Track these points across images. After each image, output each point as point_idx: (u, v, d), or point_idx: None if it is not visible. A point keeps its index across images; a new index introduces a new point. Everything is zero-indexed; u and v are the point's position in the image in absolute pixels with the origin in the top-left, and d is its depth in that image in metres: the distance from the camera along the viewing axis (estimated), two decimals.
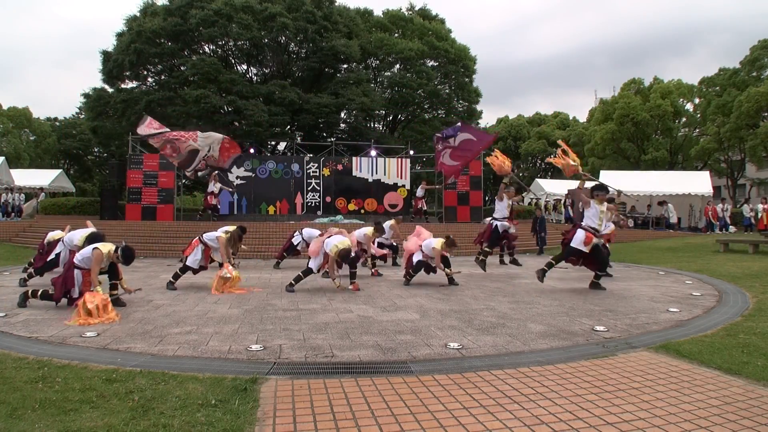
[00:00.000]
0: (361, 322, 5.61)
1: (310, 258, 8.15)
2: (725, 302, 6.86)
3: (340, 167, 20.19)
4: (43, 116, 46.95)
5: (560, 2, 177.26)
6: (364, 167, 20.34)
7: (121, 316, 5.74)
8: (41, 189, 25.19)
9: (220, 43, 26.17)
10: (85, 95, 26.68)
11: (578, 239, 7.72)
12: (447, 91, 31.52)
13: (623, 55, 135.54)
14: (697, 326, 5.44)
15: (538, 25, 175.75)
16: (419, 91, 29.53)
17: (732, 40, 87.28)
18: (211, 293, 7.59)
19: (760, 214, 19.88)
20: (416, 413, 3.07)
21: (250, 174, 19.56)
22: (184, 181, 23.02)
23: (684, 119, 34.68)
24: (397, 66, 30.62)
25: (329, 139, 25.84)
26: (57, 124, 45.09)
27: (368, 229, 9.69)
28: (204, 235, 8.16)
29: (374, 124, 31.76)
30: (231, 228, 8.57)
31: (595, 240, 7.72)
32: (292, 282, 7.98)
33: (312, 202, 19.82)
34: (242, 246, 9.27)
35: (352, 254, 7.92)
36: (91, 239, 7.08)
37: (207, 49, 26.60)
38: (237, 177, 19.39)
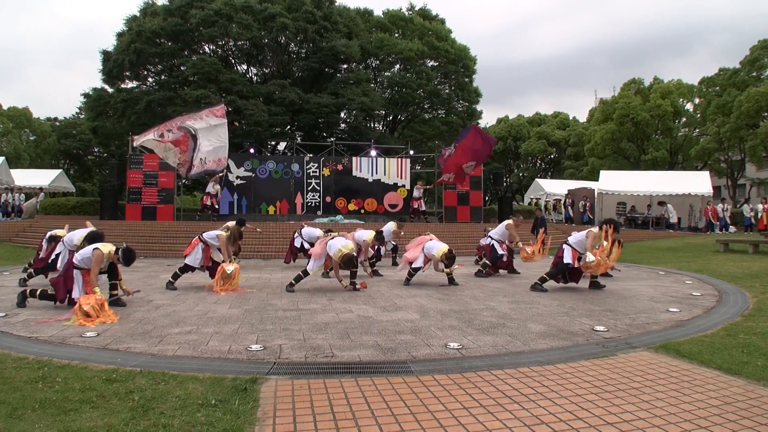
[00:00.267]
0: (361, 322, 5.61)
1: (310, 258, 8.16)
2: (725, 302, 6.87)
3: (340, 167, 20.20)
4: (43, 116, 47.03)
5: (560, 2, 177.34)
6: (364, 167, 20.35)
7: (121, 316, 5.74)
8: (41, 189, 25.19)
9: (220, 43, 26.18)
10: (85, 95, 26.71)
11: (568, 255, 7.92)
12: (447, 91, 31.52)
13: (623, 55, 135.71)
14: (697, 326, 5.44)
15: (537, 25, 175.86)
16: (419, 91, 29.54)
17: (732, 40, 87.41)
18: (214, 292, 7.61)
19: (760, 214, 19.88)
20: (416, 413, 3.07)
21: (250, 174, 19.57)
22: (184, 181, 23.01)
23: (684, 119, 34.69)
24: (397, 66, 30.63)
25: (329, 139, 25.84)
26: (57, 124, 45.10)
27: (369, 234, 9.58)
28: (204, 234, 8.16)
29: (374, 124, 31.78)
30: (231, 224, 8.59)
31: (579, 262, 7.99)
32: (292, 282, 7.99)
33: (312, 202, 19.82)
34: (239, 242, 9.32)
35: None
36: (90, 239, 7.08)
37: (207, 49, 26.61)
38: (237, 177, 19.40)
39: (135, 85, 26.61)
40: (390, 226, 11.03)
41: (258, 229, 11.38)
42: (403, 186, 20.55)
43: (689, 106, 34.80)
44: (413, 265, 8.67)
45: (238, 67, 27.73)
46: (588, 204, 21.47)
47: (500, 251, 10.16)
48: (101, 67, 25.75)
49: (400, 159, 21.02)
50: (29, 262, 9.44)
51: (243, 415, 3.00)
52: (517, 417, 3.03)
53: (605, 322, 5.64)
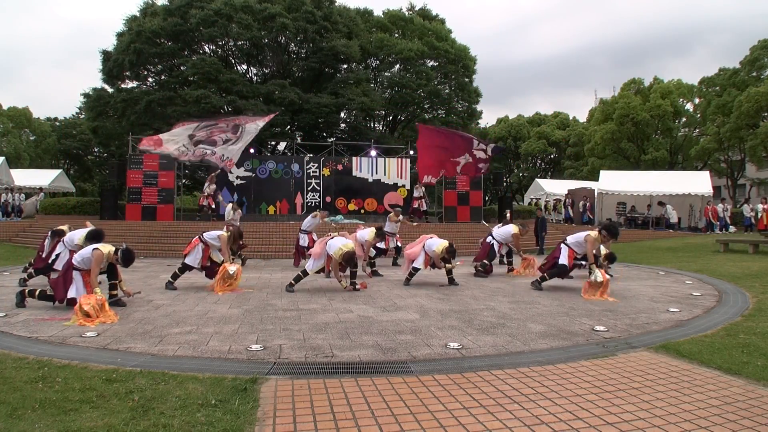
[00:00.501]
0: (361, 322, 5.61)
1: (309, 258, 8.15)
2: (725, 302, 6.87)
3: (340, 167, 20.20)
4: (43, 116, 47.02)
5: (560, 2, 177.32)
6: (364, 167, 20.35)
7: (121, 317, 5.74)
8: (41, 189, 25.21)
9: (220, 43, 26.18)
10: (85, 95, 26.71)
11: (564, 256, 7.95)
12: (447, 91, 31.51)
13: (623, 55, 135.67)
14: (697, 326, 5.44)
15: (537, 25, 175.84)
16: (419, 91, 29.54)
17: (732, 40, 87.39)
18: (214, 292, 7.61)
19: (760, 214, 19.88)
20: (416, 413, 3.07)
21: (250, 174, 19.57)
22: (184, 181, 23.03)
23: (684, 119, 34.69)
24: (397, 66, 30.62)
25: (329, 139, 25.85)
26: (57, 124, 45.10)
27: (370, 233, 9.62)
28: (205, 234, 8.16)
29: (374, 124, 31.78)
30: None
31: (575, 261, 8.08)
32: (292, 282, 7.99)
33: (312, 202, 19.82)
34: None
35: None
36: (90, 237, 7.11)
37: (207, 49, 26.61)
38: (237, 177, 19.41)
39: (135, 85, 26.61)
40: (388, 218, 11.28)
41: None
42: (403, 186, 20.55)
43: (689, 106, 34.80)
44: (414, 265, 8.69)
45: (238, 67, 27.73)
46: (588, 204, 21.47)
47: (498, 252, 10.17)
48: (101, 67, 25.76)
49: (400, 159, 21.02)
50: (29, 261, 9.43)
51: (243, 415, 3.00)
52: (517, 417, 3.03)
53: (605, 322, 5.64)
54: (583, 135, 38.46)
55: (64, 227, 8.75)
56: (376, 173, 20.39)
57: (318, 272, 8.24)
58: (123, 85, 26.49)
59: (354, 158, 20.54)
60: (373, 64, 31.12)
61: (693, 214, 22.53)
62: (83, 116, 36.30)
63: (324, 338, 4.89)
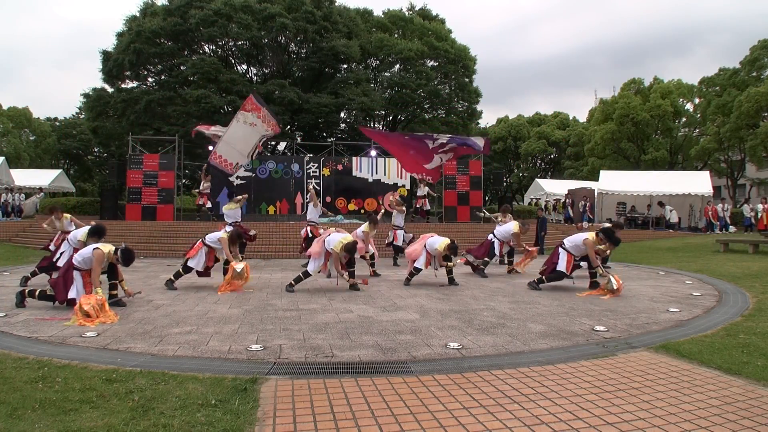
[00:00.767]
0: (361, 322, 5.61)
1: (309, 259, 8.14)
2: (725, 302, 6.87)
3: (340, 167, 20.19)
4: (43, 116, 47.03)
5: (560, 2, 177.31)
6: (364, 167, 20.34)
7: (121, 316, 5.74)
8: (41, 189, 25.21)
9: (220, 43, 26.19)
10: (85, 95, 26.72)
11: (563, 262, 7.95)
12: (447, 91, 31.51)
13: (623, 55, 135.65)
14: (697, 326, 5.44)
15: (537, 25, 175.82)
16: (419, 91, 29.53)
17: (732, 40, 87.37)
18: (218, 291, 7.62)
19: (760, 214, 19.88)
20: (416, 413, 3.07)
21: (250, 174, 19.56)
22: (184, 181, 23.03)
23: (684, 119, 34.68)
24: (397, 66, 30.61)
25: (329, 139, 25.85)
26: (57, 124, 45.12)
27: (364, 226, 9.68)
28: (206, 237, 8.18)
29: (374, 124, 31.78)
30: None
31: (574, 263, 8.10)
32: (292, 282, 7.99)
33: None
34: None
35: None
36: (92, 232, 7.18)
37: (207, 49, 26.62)
38: (237, 177, 19.38)
39: (135, 85, 26.62)
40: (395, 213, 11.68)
41: (252, 232, 11.18)
42: (403, 186, 20.54)
43: (689, 106, 34.80)
44: (416, 264, 8.69)
45: (238, 67, 27.73)
46: (588, 204, 21.47)
47: (498, 250, 10.18)
48: (101, 67, 25.77)
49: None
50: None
51: (243, 415, 3.00)
52: (517, 417, 3.03)
53: (605, 322, 5.64)
54: (583, 135, 38.46)
55: (68, 216, 9.18)
56: (376, 173, 20.37)
57: (318, 271, 8.25)
58: (123, 85, 26.50)
59: (354, 158, 20.53)
60: (373, 64, 31.12)
61: (693, 214, 22.54)
62: (83, 116, 36.33)
63: (324, 338, 4.89)
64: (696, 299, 7.12)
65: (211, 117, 23.35)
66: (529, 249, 10.61)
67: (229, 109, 23.86)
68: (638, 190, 21.45)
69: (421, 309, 6.43)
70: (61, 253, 8.02)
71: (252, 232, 10.59)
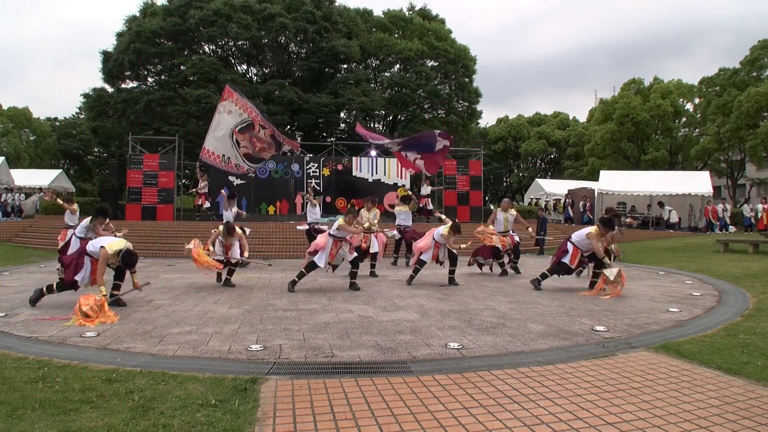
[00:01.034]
0: (361, 322, 5.61)
1: (315, 252, 8.14)
2: (725, 302, 6.86)
3: (340, 167, 20.19)
4: (43, 116, 47.04)
5: (560, 2, 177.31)
6: (364, 167, 20.33)
7: (121, 316, 5.74)
8: (41, 189, 25.22)
9: (220, 43, 26.21)
10: (85, 95, 26.75)
11: (568, 256, 7.92)
12: (447, 91, 31.53)
13: (623, 55, 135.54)
14: (697, 326, 5.44)
15: (537, 25, 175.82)
16: (419, 91, 29.55)
17: (732, 40, 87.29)
18: (195, 257, 7.88)
19: (760, 214, 19.89)
20: (416, 413, 3.07)
21: (250, 174, 19.53)
22: (184, 181, 23.02)
23: (684, 119, 34.69)
24: (397, 66, 30.63)
25: (329, 139, 25.83)
26: (57, 124, 45.14)
27: (443, 229, 9.38)
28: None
29: (374, 124, 31.79)
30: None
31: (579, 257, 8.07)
32: (295, 280, 7.98)
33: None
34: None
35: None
36: (96, 212, 7.86)
37: (207, 49, 26.64)
38: (237, 177, 19.37)
39: (135, 85, 26.65)
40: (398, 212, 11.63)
41: (247, 229, 11.20)
42: (403, 186, 20.53)
43: (689, 106, 34.81)
44: (422, 257, 8.72)
45: (238, 67, 27.76)
46: (588, 204, 21.47)
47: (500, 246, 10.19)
48: (101, 67, 25.82)
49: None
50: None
51: (243, 415, 3.00)
52: (517, 417, 3.03)
53: (605, 322, 5.64)
54: (583, 135, 38.48)
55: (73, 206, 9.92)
56: (376, 173, 20.37)
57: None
58: (123, 85, 26.53)
59: (354, 158, 20.52)
60: (373, 64, 31.13)
61: (693, 214, 22.54)
62: (83, 116, 36.35)
63: (324, 338, 4.89)
64: (696, 299, 7.12)
65: (210, 117, 23.37)
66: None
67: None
68: (638, 190, 21.46)
69: (421, 309, 6.43)
70: (68, 243, 8.51)
71: (247, 231, 10.68)
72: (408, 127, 32.19)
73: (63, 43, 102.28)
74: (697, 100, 34.13)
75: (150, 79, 27.12)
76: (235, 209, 11.76)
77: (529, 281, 8.33)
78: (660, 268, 11.11)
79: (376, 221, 10.47)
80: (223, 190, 13.41)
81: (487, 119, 77.44)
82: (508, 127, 46.82)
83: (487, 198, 33.66)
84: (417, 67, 29.44)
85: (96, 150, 40.97)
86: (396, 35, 31.01)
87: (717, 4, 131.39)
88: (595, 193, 21.75)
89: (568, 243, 8.06)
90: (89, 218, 7.99)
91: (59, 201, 10.43)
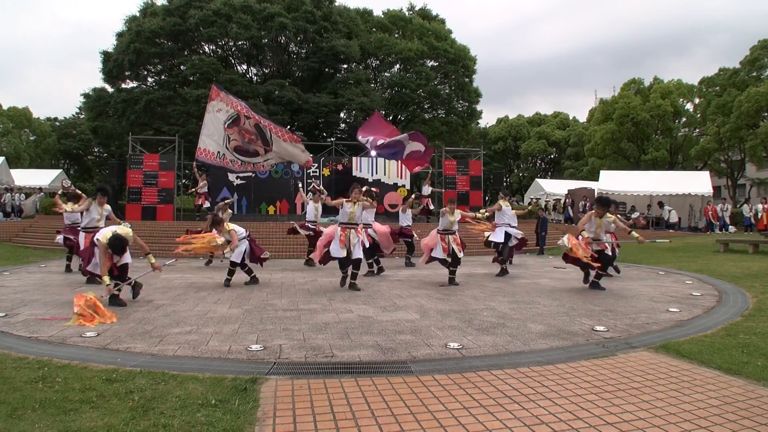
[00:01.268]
0: (361, 322, 5.61)
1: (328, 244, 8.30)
2: (725, 302, 6.86)
3: (340, 167, 20.19)
4: (43, 116, 47.05)
5: (560, 2, 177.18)
6: (364, 167, 20.33)
7: (121, 316, 5.74)
8: (41, 189, 25.22)
9: (219, 43, 26.20)
10: (85, 95, 26.73)
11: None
12: (447, 91, 31.52)
13: (623, 55, 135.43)
14: (697, 326, 5.44)
15: (537, 25, 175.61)
16: (419, 92, 29.55)
17: (732, 40, 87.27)
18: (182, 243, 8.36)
19: (760, 214, 19.89)
20: (416, 413, 3.07)
21: (250, 174, 19.53)
22: (184, 181, 23.02)
23: (684, 119, 34.70)
24: (397, 66, 30.62)
25: (329, 139, 25.83)
26: (57, 124, 45.14)
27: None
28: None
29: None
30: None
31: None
32: (343, 275, 8.25)
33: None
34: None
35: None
36: (97, 189, 8.49)
37: (207, 49, 26.63)
38: (237, 177, 19.38)
39: (135, 85, 26.64)
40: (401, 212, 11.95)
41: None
42: (403, 186, 20.54)
43: (689, 106, 34.82)
44: (433, 254, 8.79)
45: (238, 67, 27.74)
46: (588, 204, 21.47)
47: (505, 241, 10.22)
48: (101, 67, 25.81)
49: (400, 159, 20.96)
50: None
51: (243, 415, 3.00)
52: (517, 417, 3.03)
53: (605, 322, 5.64)
54: (583, 135, 38.49)
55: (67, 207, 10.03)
56: (376, 173, 20.37)
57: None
58: (123, 85, 26.52)
59: (354, 158, 20.52)
60: (373, 64, 31.13)
61: (693, 214, 22.54)
62: (83, 116, 36.35)
63: (324, 338, 4.89)
64: (696, 299, 7.12)
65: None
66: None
67: None
68: (638, 190, 21.46)
69: (421, 309, 6.43)
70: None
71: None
72: (408, 127, 32.17)
73: (63, 43, 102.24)
74: (697, 100, 34.13)
75: (150, 79, 27.12)
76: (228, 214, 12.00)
77: (588, 287, 8.17)
78: (660, 268, 11.11)
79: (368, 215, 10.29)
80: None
81: (487, 119, 77.46)
82: (508, 127, 46.84)
83: (487, 198, 33.63)
84: (417, 67, 29.44)
85: (96, 150, 40.99)
86: (396, 35, 31.00)
87: (717, 4, 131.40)
88: (595, 193, 21.73)
89: (580, 236, 8.12)
90: (88, 200, 8.61)
91: (76, 192, 10.66)
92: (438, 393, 3.41)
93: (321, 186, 13.52)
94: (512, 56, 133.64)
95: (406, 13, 32.78)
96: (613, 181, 21.87)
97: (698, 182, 21.50)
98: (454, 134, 31.42)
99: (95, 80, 76.45)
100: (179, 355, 4.28)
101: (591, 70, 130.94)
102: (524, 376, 3.78)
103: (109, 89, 26.48)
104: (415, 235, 11.60)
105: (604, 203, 8.13)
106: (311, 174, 19.92)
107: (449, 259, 8.71)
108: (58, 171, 30.05)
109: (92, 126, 28.23)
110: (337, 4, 28.17)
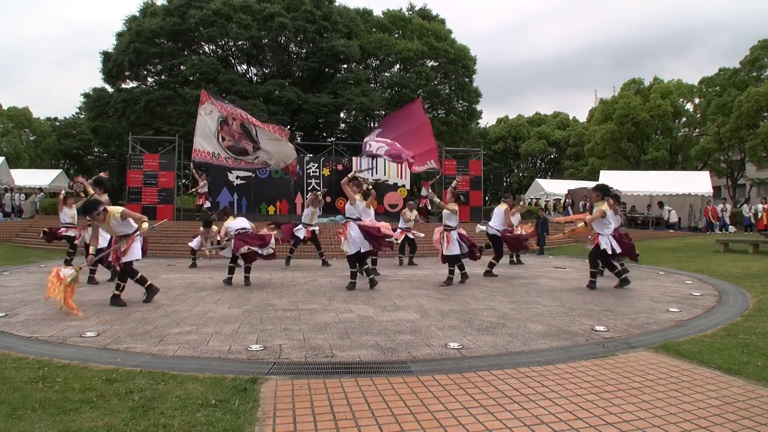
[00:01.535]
0: (361, 322, 5.61)
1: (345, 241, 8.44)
2: (725, 302, 6.86)
3: (340, 167, 20.18)
4: (43, 116, 47.08)
5: (560, 2, 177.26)
6: (364, 167, 20.31)
7: (121, 316, 5.75)
8: (41, 189, 25.24)
9: (219, 43, 26.21)
10: (85, 95, 26.75)
11: (603, 242, 8.07)
12: (447, 91, 31.53)
13: (623, 55, 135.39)
14: (697, 326, 5.44)
15: (537, 25, 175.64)
16: (419, 92, 29.55)
17: (732, 40, 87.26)
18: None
19: (760, 214, 19.89)
20: (416, 413, 3.07)
21: (250, 174, 19.54)
22: (184, 181, 23.01)
23: (684, 119, 34.72)
24: (397, 66, 30.63)
25: (329, 139, 25.84)
26: (57, 124, 45.18)
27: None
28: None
29: (374, 124, 31.76)
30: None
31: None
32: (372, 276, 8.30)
33: None
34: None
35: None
36: (94, 182, 8.68)
37: (207, 49, 26.64)
38: (237, 177, 19.39)
39: (135, 85, 26.66)
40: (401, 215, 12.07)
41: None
42: (403, 186, 20.54)
43: (689, 106, 34.84)
44: (451, 254, 8.67)
45: (238, 67, 27.75)
46: (588, 204, 21.47)
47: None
48: (101, 67, 25.82)
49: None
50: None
51: (243, 415, 3.00)
52: (517, 417, 3.03)
53: (605, 322, 5.64)
54: (583, 135, 38.50)
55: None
56: (377, 173, 20.36)
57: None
58: (123, 85, 26.54)
59: (354, 158, 20.51)
60: (373, 64, 31.13)
61: (693, 214, 22.54)
62: (83, 116, 36.37)
63: (324, 338, 4.89)
64: (696, 299, 7.12)
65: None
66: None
67: None
68: (638, 190, 21.46)
69: (421, 309, 6.43)
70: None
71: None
72: None
73: (63, 43, 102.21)
74: (697, 100, 34.15)
75: (150, 79, 27.13)
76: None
77: (614, 287, 8.19)
78: (660, 268, 11.11)
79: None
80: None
81: (487, 119, 77.49)
82: (508, 127, 46.83)
83: (487, 198, 33.64)
84: (417, 67, 29.45)
85: (96, 150, 41.03)
86: (396, 35, 31.01)
87: (717, 4, 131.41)
88: None
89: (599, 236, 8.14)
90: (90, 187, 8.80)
91: (88, 189, 10.15)
92: (438, 393, 3.41)
93: (321, 191, 13.60)
94: (512, 56, 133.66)
95: (406, 13, 32.79)
96: (613, 181, 21.65)
97: (698, 182, 21.50)
98: (454, 134, 31.41)
99: (95, 80, 76.53)
100: (179, 355, 4.28)
101: (591, 70, 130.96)
102: (524, 376, 3.78)
103: (109, 89, 26.50)
104: (411, 235, 11.72)
105: (603, 189, 8.44)
106: (311, 174, 19.92)
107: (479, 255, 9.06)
108: (58, 171, 30.06)
109: (92, 126, 28.24)
110: (337, 4, 28.18)
